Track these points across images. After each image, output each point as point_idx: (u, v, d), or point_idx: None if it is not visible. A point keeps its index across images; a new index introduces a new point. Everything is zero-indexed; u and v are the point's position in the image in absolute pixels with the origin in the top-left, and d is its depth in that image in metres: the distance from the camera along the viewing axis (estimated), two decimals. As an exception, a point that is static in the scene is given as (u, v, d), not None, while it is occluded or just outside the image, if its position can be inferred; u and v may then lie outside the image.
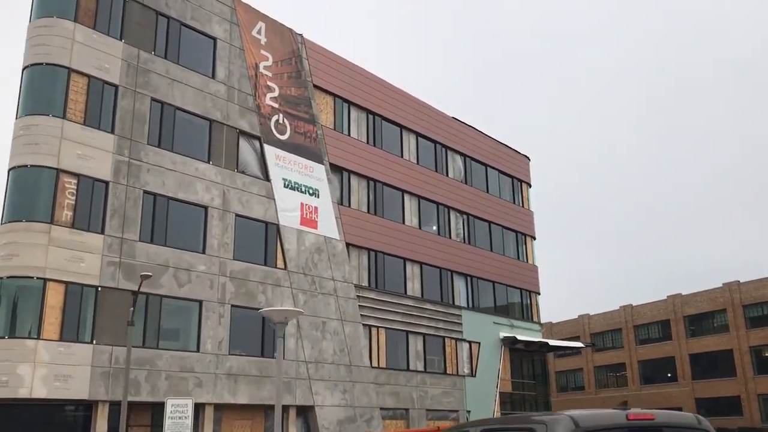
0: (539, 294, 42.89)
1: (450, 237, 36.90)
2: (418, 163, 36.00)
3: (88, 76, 23.04)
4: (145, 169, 23.92)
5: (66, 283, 21.23)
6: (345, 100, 32.62)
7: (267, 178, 27.96)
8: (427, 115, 37.10)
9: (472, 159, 39.75)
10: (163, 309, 23.56)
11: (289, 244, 28.06)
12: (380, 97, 34.43)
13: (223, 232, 25.80)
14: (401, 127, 35.45)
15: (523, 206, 43.22)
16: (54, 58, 22.44)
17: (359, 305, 30.48)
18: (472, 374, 35.86)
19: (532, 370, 40.89)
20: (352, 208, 31.69)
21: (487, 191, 40.39)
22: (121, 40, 24.25)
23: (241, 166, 27.28)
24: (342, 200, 31.33)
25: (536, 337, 40.45)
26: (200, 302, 24.54)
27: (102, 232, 22.34)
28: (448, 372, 34.48)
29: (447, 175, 37.79)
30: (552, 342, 39.92)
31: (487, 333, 37.27)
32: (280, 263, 27.67)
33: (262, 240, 27.29)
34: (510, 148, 43.15)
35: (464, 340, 35.81)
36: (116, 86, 23.73)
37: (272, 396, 26.00)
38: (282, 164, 28.59)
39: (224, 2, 28.06)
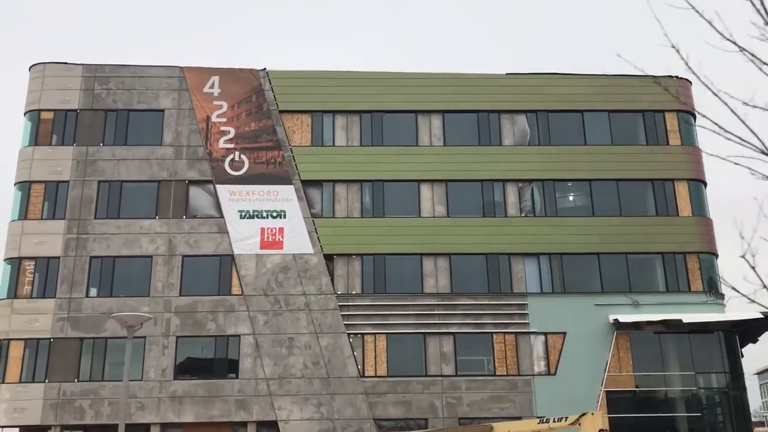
0: (714, 255, 31.53)
1: (506, 215, 31.50)
2: (445, 145, 32.32)
3: (44, 182, 30.81)
4: (91, 239, 30.13)
5: (25, 339, 28.88)
6: (325, 112, 32.48)
7: (221, 215, 30.71)
8: (458, 86, 32.98)
9: (550, 111, 32.87)
10: (108, 348, 28.98)
11: (246, 270, 29.97)
12: (378, 92, 32.73)
13: (168, 274, 29.81)
14: (415, 112, 32.65)
15: (668, 143, 32.79)
16: (21, 177, 30.99)
17: (345, 314, 29.70)
18: (550, 372, 29.47)
19: (700, 359, 30.22)
20: (338, 217, 31.13)
21: (585, 142, 32.57)
22: (73, 144, 31.37)
23: (192, 211, 30.84)
24: (323, 212, 31.20)
25: (716, 315, 30.01)
26: (144, 338, 29.02)
27: (54, 296, 29.39)
28: (499, 373, 29.44)
29: (501, 144, 32.47)
30: (690, 318, 28.97)
31: (581, 320, 29.96)
32: (235, 290, 29.85)
33: (215, 272, 30.05)
34: (635, 76, 33.43)
35: (533, 332, 29.87)
36: (68, 182, 30.84)
37: (223, 413, 28.36)
38: (237, 198, 30.87)
39: (172, 75, 32.49)
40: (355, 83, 32.96)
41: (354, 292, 30.20)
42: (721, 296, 31.18)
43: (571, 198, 32.20)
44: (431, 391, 29.14)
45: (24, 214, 30.52)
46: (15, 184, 31.23)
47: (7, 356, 28.77)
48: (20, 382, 28.51)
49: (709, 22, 6.20)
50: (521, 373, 29.55)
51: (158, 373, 28.74)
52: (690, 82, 33.98)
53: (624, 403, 29.36)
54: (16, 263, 29.92)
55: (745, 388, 30.31)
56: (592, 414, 20.72)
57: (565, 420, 21.21)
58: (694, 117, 33.72)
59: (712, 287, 31.08)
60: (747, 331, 30.76)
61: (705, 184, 32.85)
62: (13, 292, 29.57)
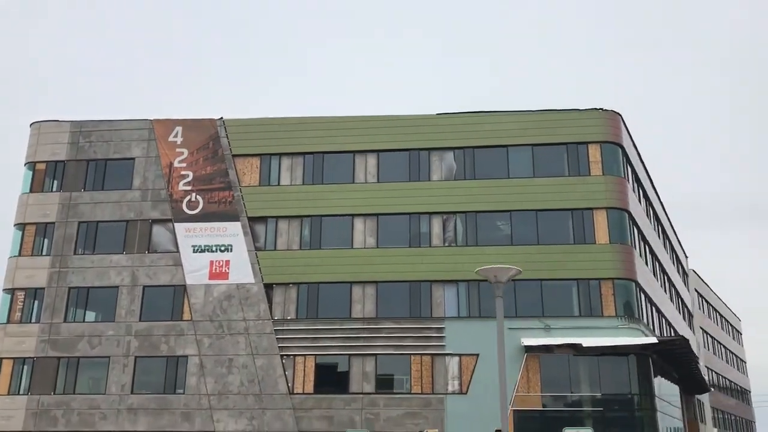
0: (632, 281, 32.88)
1: (430, 245, 34.13)
2: (378, 181, 35.35)
3: (35, 224, 36.31)
4: (71, 272, 35.26)
5: (13, 358, 34.28)
6: (273, 155, 36.26)
7: (177, 249, 35.07)
8: (393, 127, 35.97)
9: (476, 148, 35.24)
10: (80, 366, 33.88)
11: (195, 299, 34.17)
12: (320, 135, 36.18)
13: (130, 302, 34.46)
14: (352, 152, 35.87)
15: (590, 174, 34.37)
16: (18, 219, 36.64)
17: (280, 338, 33.26)
18: (462, 392, 31.84)
19: (610, 381, 31.64)
20: (279, 249, 34.77)
21: (508, 175, 34.71)
22: (60, 190, 36.72)
23: (153, 247, 35.40)
24: (266, 246, 34.92)
25: (618, 339, 31.54)
26: (108, 357, 33.75)
27: (38, 321, 34.67)
28: (414, 391, 32.09)
29: (429, 179, 35.15)
30: (590, 342, 30.48)
31: (494, 342, 31.67)
32: (186, 316, 34.07)
33: (170, 300, 34.40)
34: (559, 111, 35.37)
35: (448, 354, 32.36)
36: (54, 223, 36.18)
37: (170, 424, 32.61)
38: (191, 234, 35.15)
39: (142, 127, 37.30)
40: (300, 128, 36.59)
41: (289, 318, 33.75)
42: (637, 321, 32.57)
43: (492, 228, 34.37)
44: (352, 407, 32.19)
45: (19, 251, 36.09)
46: (14, 225, 36.92)
47: (0, 372, 34.26)
48: (8, 394, 33.87)
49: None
50: (435, 392, 32.10)
51: (119, 387, 33.35)
52: (619, 114, 35.58)
53: (531, 422, 31.30)
54: (11, 293, 35.47)
55: (655, 409, 31.52)
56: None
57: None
58: (622, 148, 35.21)
59: (627, 312, 32.48)
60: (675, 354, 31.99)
61: (627, 212, 34.19)
62: (7, 318, 35.09)
